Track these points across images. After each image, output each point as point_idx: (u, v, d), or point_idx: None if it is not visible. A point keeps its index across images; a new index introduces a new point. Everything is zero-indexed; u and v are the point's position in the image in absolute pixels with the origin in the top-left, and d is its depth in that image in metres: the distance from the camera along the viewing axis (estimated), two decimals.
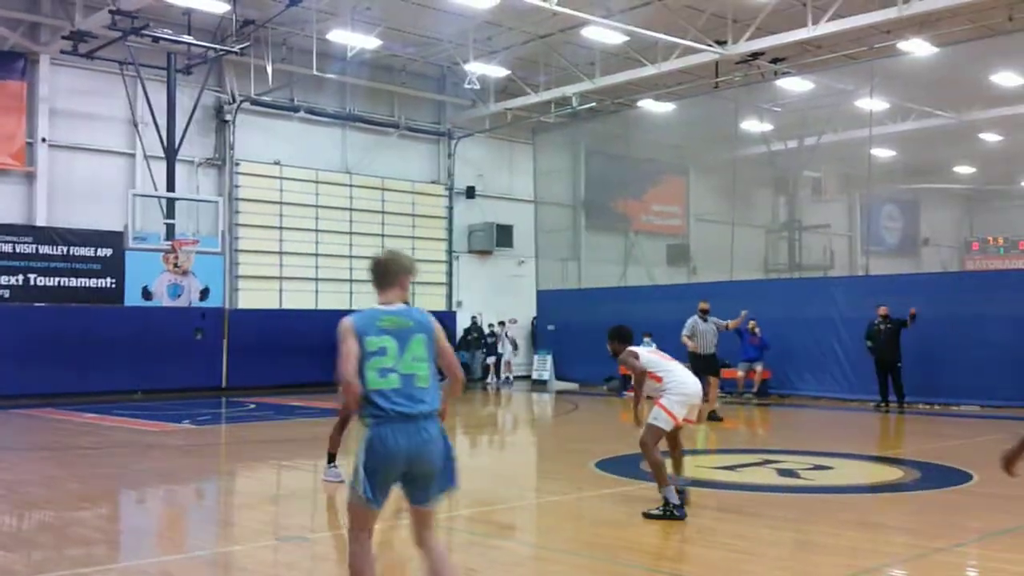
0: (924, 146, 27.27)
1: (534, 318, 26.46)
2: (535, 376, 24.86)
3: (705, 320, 15.76)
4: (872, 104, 22.58)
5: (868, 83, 21.65)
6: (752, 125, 25.76)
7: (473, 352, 25.21)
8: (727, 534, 7.21)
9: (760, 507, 8.19)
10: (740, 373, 19.72)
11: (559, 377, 24.23)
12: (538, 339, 25.82)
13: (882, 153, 26.07)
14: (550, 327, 25.26)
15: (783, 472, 10.04)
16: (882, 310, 17.21)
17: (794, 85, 22.82)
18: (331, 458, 9.07)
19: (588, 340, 23.44)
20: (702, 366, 14.67)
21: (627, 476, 9.54)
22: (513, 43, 22.49)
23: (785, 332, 19.97)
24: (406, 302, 4.60)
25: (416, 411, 4.30)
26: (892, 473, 10.34)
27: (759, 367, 19.77)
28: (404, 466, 4.28)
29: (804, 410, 18.23)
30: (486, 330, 25.57)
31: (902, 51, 19.88)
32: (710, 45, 20.13)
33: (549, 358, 24.55)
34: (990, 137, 26.73)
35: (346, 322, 4.39)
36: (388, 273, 4.60)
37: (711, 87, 23.45)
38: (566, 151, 27.86)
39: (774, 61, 21.83)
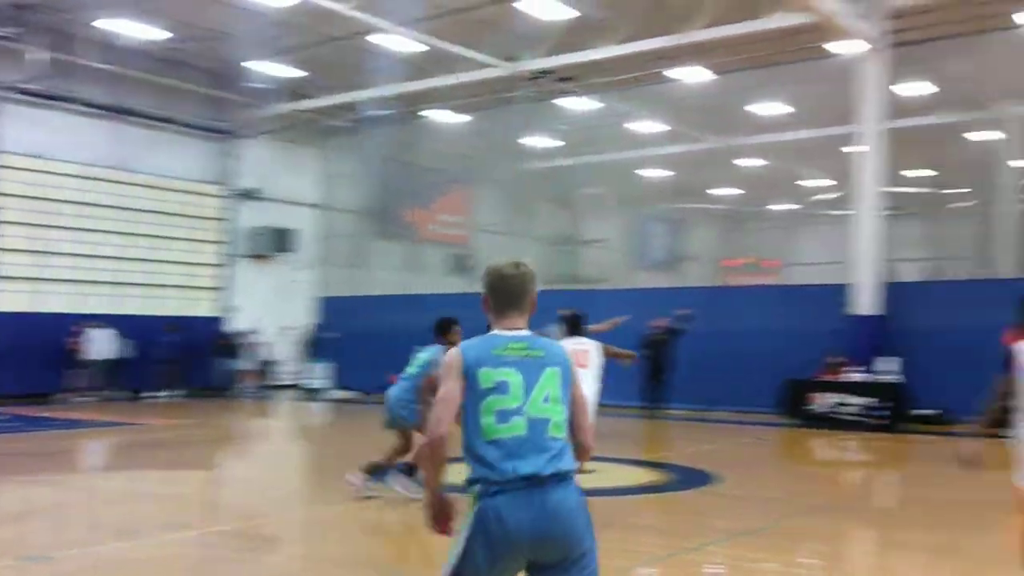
0: (691, 168, 29.07)
1: (314, 325, 26.03)
2: (310, 385, 24.44)
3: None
4: (647, 127, 23.83)
5: (645, 106, 22.83)
6: (538, 141, 26.52)
7: (225, 359, 24.19)
8: None
9: None
10: None
11: (340, 386, 23.93)
12: (318, 347, 25.42)
13: (654, 174, 27.54)
14: (332, 334, 24.93)
15: None
16: (660, 321, 18.11)
17: (579, 104, 23.72)
18: (376, 469, 8.64)
19: (372, 348, 23.27)
20: None
21: None
22: (305, 44, 22.06)
23: None
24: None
25: (547, 471, 3.08)
26: (649, 476, 10.91)
27: None
28: (528, 552, 3.06)
29: None
30: (251, 336, 24.66)
31: (675, 78, 21.10)
32: (502, 61, 20.55)
33: (326, 366, 24.22)
34: (748, 163, 28.83)
35: (453, 352, 3.31)
36: (515, 289, 3.39)
37: (501, 101, 23.99)
38: (355, 157, 27.61)
39: (562, 80, 22.61)
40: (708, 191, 32.13)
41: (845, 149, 18.48)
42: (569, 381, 3.27)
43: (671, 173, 28.88)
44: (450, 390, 3.20)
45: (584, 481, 3.33)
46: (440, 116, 24.59)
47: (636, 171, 24.54)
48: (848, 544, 8.00)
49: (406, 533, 7.50)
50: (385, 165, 27.96)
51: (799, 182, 28.18)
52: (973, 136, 22.92)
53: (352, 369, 23.94)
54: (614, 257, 30.77)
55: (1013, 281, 19.43)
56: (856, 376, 16.78)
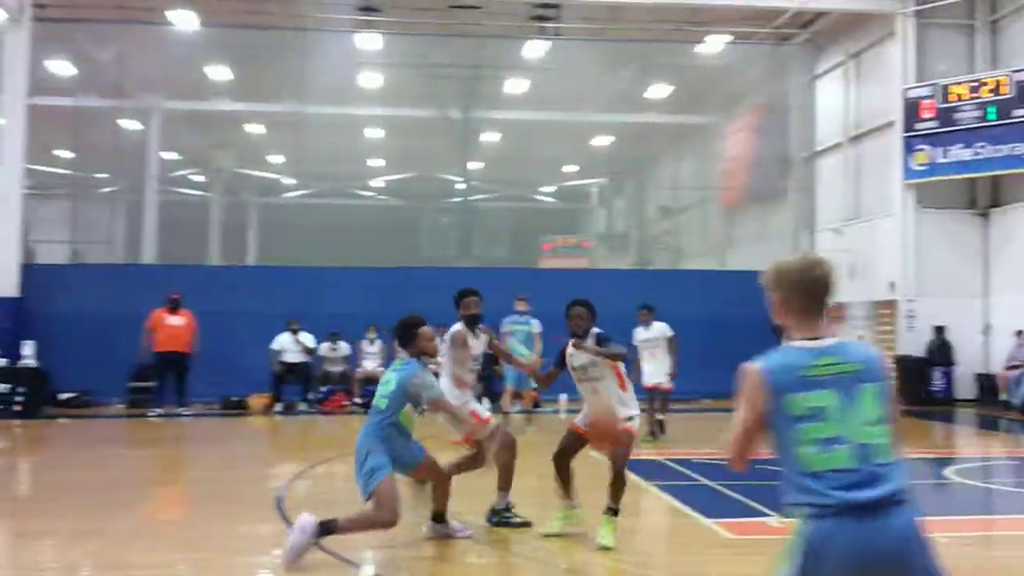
0: None
1: None
2: None
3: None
4: None
5: None
6: None
7: None
8: None
9: None
10: None
11: None
12: None
13: None
14: None
15: None
16: None
17: None
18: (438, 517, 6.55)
19: None
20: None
21: None
22: None
23: None
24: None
25: (877, 496, 2.77)
26: None
27: None
28: None
29: None
30: None
31: None
32: None
33: None
34: None
35: (752, 372, 2.90)
36: (820, 291, 2.97)
37: None
38: None
39: None
40: None
41: None
42: (887, 396, 2.93)
43: None
44: (748, 423, 2.90)
45: None
46: None
47: None
48: None
49: None
50: None
51: None
52: (123, 123, 23.44)
53: None
54: None
55: (156, 267, 20.49)
56: None
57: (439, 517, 6.58)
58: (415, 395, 6.04)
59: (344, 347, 16.82)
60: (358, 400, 16.38)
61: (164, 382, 15.53)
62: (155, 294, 15.70)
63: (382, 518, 5.90)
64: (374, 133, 27.04)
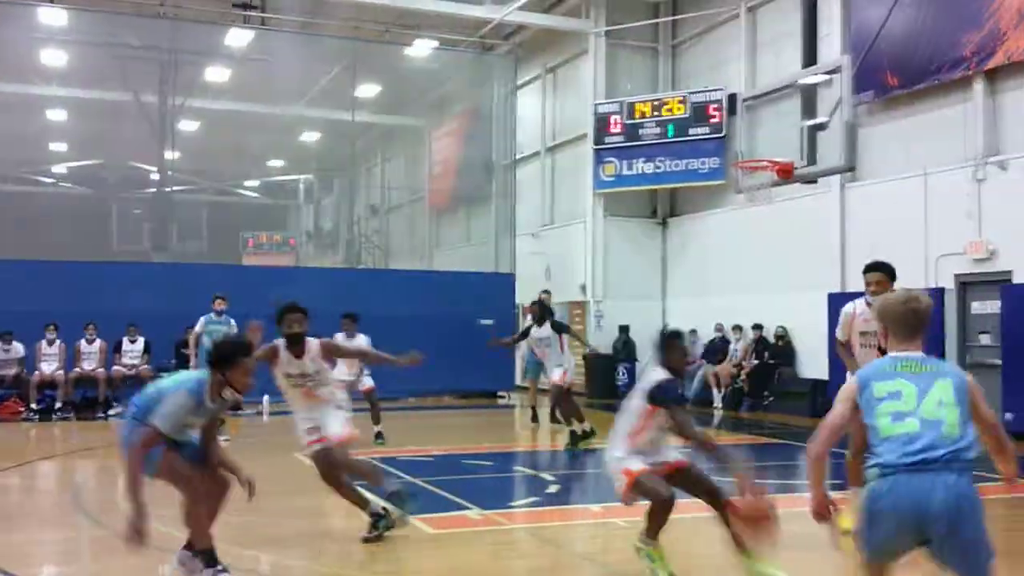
0: None
1: None
2: None
3: None
4: None
5: None
6: None
7: None
8: None
9: None
10: None
11: None
12: None
13: None
14: None
15: None
16: None
17: None
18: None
19: None
20: None
21: None
22: None
23: None
24: None
25: (935, 456, 3.27)
26: None
27: None
28: (913, 530, 3.29)
29: None
30: None
31: None
32: None
33: None
34: None
35: (850, 380, 3.64)
36: (921, 322, 3.61)
37: None
38: None
39: None
40: None
41: None
42: (965, 393, 3.42)
43: None
44: (835, 414, 3.56)
45: None
46: None
47: None
48: None
49: None
50: None
51: None
52: None
53: None
54: None
55: None
56: None
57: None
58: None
59: (18, 348, 15.27)
60: (33, 406, 14.94)
61: None
62: None
63: None
64: (57, 115, 24.82)
